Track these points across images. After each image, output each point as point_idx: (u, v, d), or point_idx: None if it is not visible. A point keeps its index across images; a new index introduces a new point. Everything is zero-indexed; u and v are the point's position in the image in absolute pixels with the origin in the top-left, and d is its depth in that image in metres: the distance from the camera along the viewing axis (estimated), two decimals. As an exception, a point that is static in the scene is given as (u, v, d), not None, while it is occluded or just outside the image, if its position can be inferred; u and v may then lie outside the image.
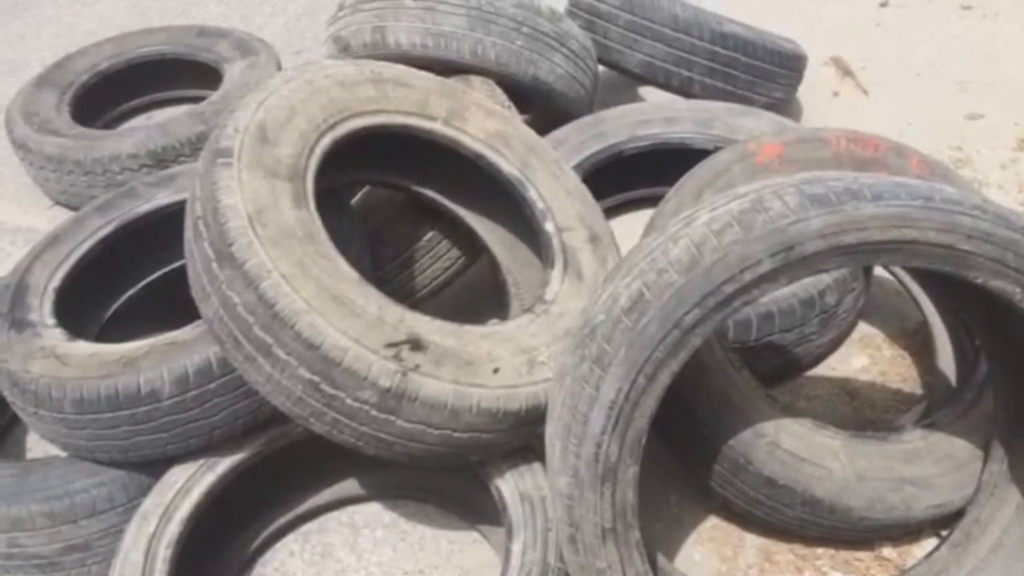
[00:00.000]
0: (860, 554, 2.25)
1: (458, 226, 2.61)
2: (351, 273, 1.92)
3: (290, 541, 2.37)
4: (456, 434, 1.91)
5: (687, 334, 1.71)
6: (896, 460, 2.13)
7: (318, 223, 1.97)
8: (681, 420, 2.08)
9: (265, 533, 2.35)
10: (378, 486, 2.43)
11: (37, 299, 2.38)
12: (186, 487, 2.09)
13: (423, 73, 2.45)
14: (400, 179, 2.54)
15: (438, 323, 1.97)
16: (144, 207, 2.71)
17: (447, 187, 2.54)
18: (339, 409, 1.86)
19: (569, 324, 2.12)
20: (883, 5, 4.68)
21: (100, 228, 2.63)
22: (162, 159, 3.56)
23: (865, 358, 2.75)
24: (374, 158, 2.44)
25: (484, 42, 2.93)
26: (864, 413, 2.59)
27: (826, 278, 2.45)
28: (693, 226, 1.76)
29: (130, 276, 2.76)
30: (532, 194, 2.35)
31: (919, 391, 2.65)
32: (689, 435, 2.15)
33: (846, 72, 4.15)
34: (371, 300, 1.90)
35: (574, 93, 3.15)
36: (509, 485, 2.06)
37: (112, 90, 4.18)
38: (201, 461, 2.13)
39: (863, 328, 2.79)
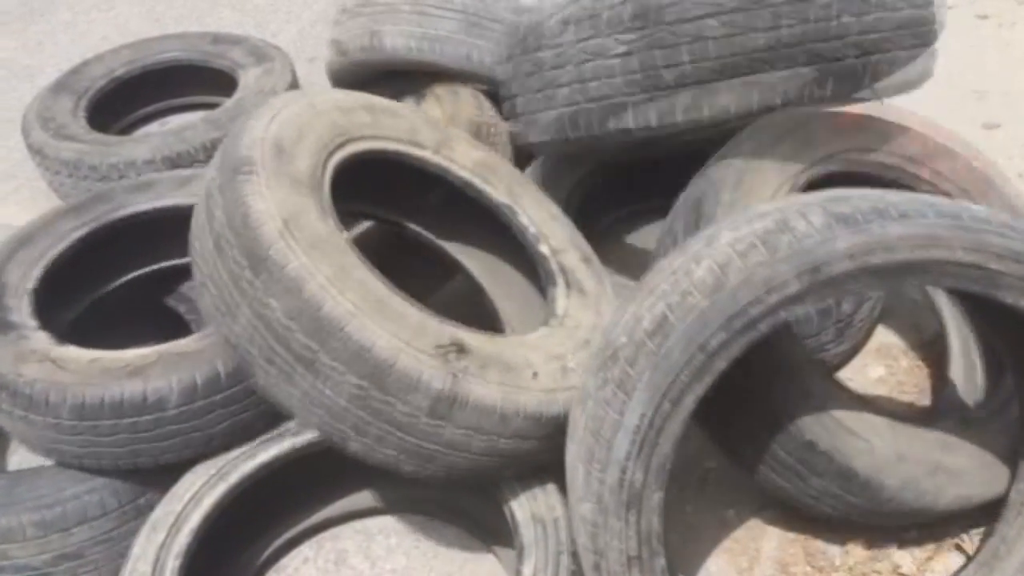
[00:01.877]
0: (878, 566, 2.22)
1: (437, 254, 2.60)
2: (384, 281, 1.90)
3: (304, 547, 2.36)
4: (502, 441, 1.89)
5: (712, 358, 1.68)
6: (935, 446, 2.10)
7: (343, 237, 1.93)
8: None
9: (274, 545, 2.35)
10: (388, 501, 2.42)
11: (15, 300, 2.36)
12: (196, 497, 2.08)
13: (408, 105, 2.50)
14: (384, 211, 2.57)
15: (474, 332, 1.95)
16: (119, 212, 2.72)
17: (431, 219, 2.56)
18: (387, 418, 1.81)
19: (586, 335, 2.13)
20: (981, 17, 4.66)
21: (75, 230, 2.62)
22: (177, 165, 3.56)
23: (882, 368, 2.73)
24: (361, 190, 2.45)
25: (478, 47, 2.88)
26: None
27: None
28: (716, 246, 1.74)
29: (98, 279, 2.76)
30: (524, 219, 2.38)
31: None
32: (728, 387, 1.99)
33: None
34: (409, 306, 1.88)
35: None
36: (522, 506, 2.05)
37: (128, 96, 4.20)
38: (212, 472, 2.12)
39: (880, 338, 2.77)
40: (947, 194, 2.43)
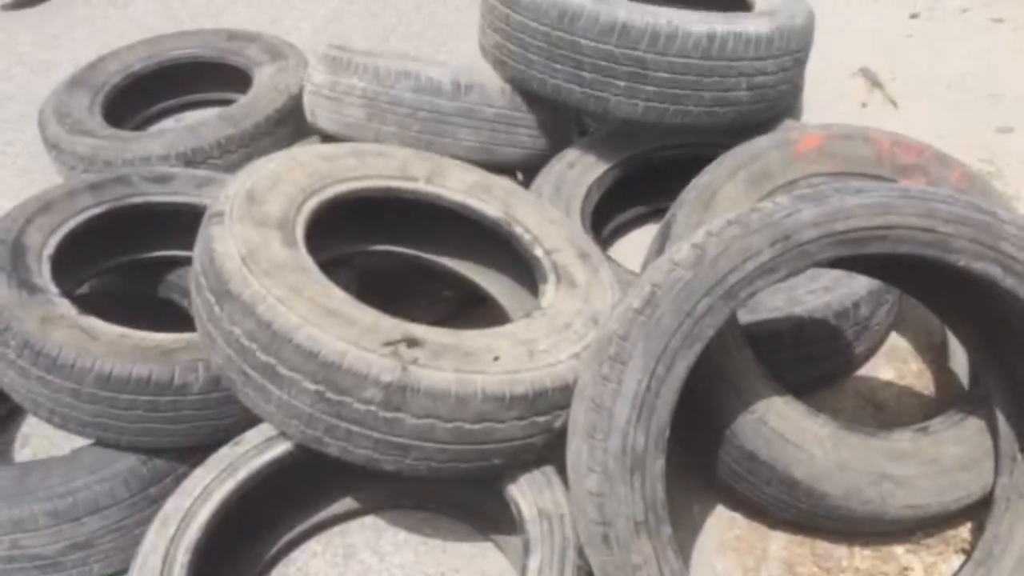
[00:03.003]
0: (885, 568, 2.22)
1: (451, 277, 2.75)
2: (344, 295, 2.02)
3: (313, 542, 2.38)
4: (468, 426, 1.91)
5: (699, 323, 1.84)
6: (880, 456, 2.14)
7: (309, 260, 2.09)
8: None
9: (283, 540, 2.36)
10: (395, 497, 2.43)
11: (36, 264, 2.42)
12: (206, 492, 2.09)
13: (400, 147, 2.71)
14: (388, 244, 2.72)
15: (433, 328, 2.04)
16: (136, 199, 2.78)
17: (432, 244, 2.72)
18: (348, 417, 1.89)
19: (567, 320, 2.19)
20: (913, 17, 4.66)
21: (92, 207, 2.68)
22: (191, 161, 3.59)
23: (892, 371, 2.73)
24: (358, 230, 2.62)
25: (381, 132, 3.07)
26: (890, 426, 2.55)
27: (860, 290, 2.45)
28: (694, 235, 1.91)
29: (104, 258, 2.81)
30: (518, 229, 2.49)
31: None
32: (682, 402, 2.13)
33: (875, 83, 4.13)
34: (366, 313, 2.00)
35: (499, 157, 3.16)
36: (528, 501, 2.06)
37: (143, 92, 4.23)
38: (223, 467, 2.13)
39: (891, 340, 2.77)
40: None
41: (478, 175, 2.67)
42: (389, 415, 1.88)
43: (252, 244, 2.05)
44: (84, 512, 2.18)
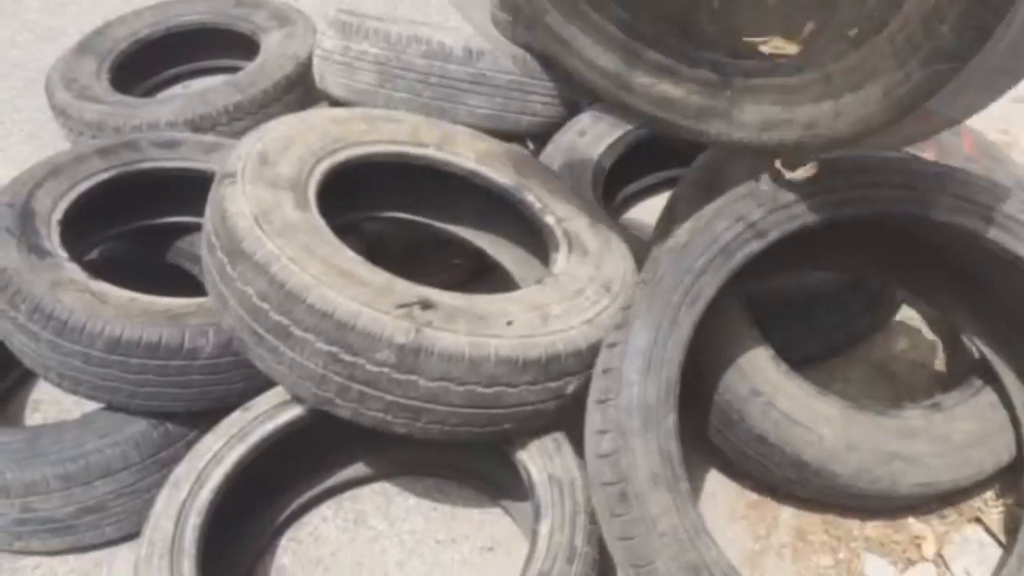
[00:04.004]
0: (896, 536, 2.22)
1: (461, 245, 2.75)
2: (356, 256, 2.01)
3: (324, 507, 2.38)
4: (480, 389, 1.91)
5: (699, 280, 1.94)
6: (890, 435, 2.14)
7: (321, 221, 2.07)
8: (685, 368, 2.08)
9: (293, 505, 2.36)
10: (405, 463, 2.43)
11: (45, 228, 2.40)
12: (218, 456, 2.10)
13: (411, 114, 2.71)
14: (399, 212, 2.71)
15: (446, 292, 2.02)
16: (144, 164, 2.75)
17: (442, 212, 2.71)
18: (361, 379, 1.88)
19: (579, 287, 2.19)
20: None
21: (100, 172, 2.66)
22: (199, 127, 3.57)
23: (905, 341, 2.71)
24: (367, 196, 2.61)
25: (392, 98, 3.01)
26: (902, 395, 2.55)
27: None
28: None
29: (113, 223, 2.80)
30: (529, 196, 2.47)
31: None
32: (691, 384, 2.13)
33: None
34: (378, 275, 1.98)
35: (510, 124, 3.10)
36: (538, 467, 2.05)
37: (150, 58, 4.20)
38: (234, 431, 2.13)
39: (904, 311, 2.75)
40: None
41: (489, 143, 2.66)
42: (402, 377, 1.87)
43: (265, 204, 2.03)
44: (95, 476, 2.18)
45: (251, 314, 1.94)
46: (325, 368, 1.89)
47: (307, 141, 2.30)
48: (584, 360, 1.99)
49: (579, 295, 2.15)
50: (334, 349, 1.86)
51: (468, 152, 2.56)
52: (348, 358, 1.86)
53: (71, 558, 2.29)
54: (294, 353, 1.91)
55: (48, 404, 2.67)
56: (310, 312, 1.85)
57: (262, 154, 2.18)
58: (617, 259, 2.32)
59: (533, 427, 2.07)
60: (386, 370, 1.86)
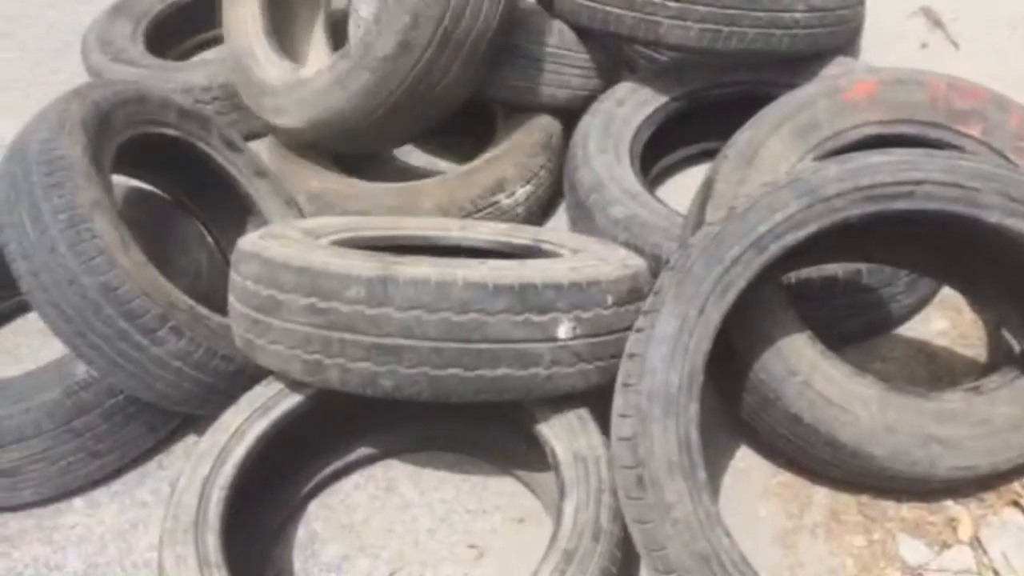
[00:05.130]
0: (932, 518, 2.19)
1: None
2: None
3: (355, 475, 2.39)
4: (454, 317, 1.90)
5: (729, 271, 1.91)
6: (928, 417, 2.10)
7: (325, 243, 2.25)
8: (720, 347, 2.06)
9: (317, 478, 2.37)
10: (425, 438, 2.44)
11: None
12: (240, 431, 2.10)
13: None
14: None
15: None
16: None
17: None
18: (338, 324, 1.91)
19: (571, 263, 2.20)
20: None
21: None
22: (234, 92, 3.56)
23: (945, 321, 2.66)
24: None
25: None
26: (942, 377, 2.51)
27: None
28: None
29: None
30: (548, 247, 2.49)
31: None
32: (726, 363, 2.13)
33: (936, 23, 3.96)
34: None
35: (546, 98, 3.15)
36: (563, 444, 2.04)
37: (185, 22, 4.20)
38: (256, 405, 2.14)
39: (944, 291, 2.69)
40: (1000, 152, 2.38)
41: (507, 225, 2.75)
42: (375, 311, 1.89)
43: (272, 229, 2.26)
44: (8, 441, 2.23)
45: (247, 301, 2.05)
46: (306, 323, 1.94)
47: (334, 222, 2.49)
48: (568, 298, 1.96)
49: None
50: (311, 300, 1.92)
51: (488, 230, 2.63)
52: (324, 304, 1.91)
53: (108, 518, 2.34)
54: (281, 321, 1.97)
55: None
56: (289, 272, 1.96)
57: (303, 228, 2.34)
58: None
59: (537, 385, 2.00)
60: (359, 307, 1.90)
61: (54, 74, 4.09)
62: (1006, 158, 2.35)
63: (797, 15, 2.73)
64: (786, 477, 2.30)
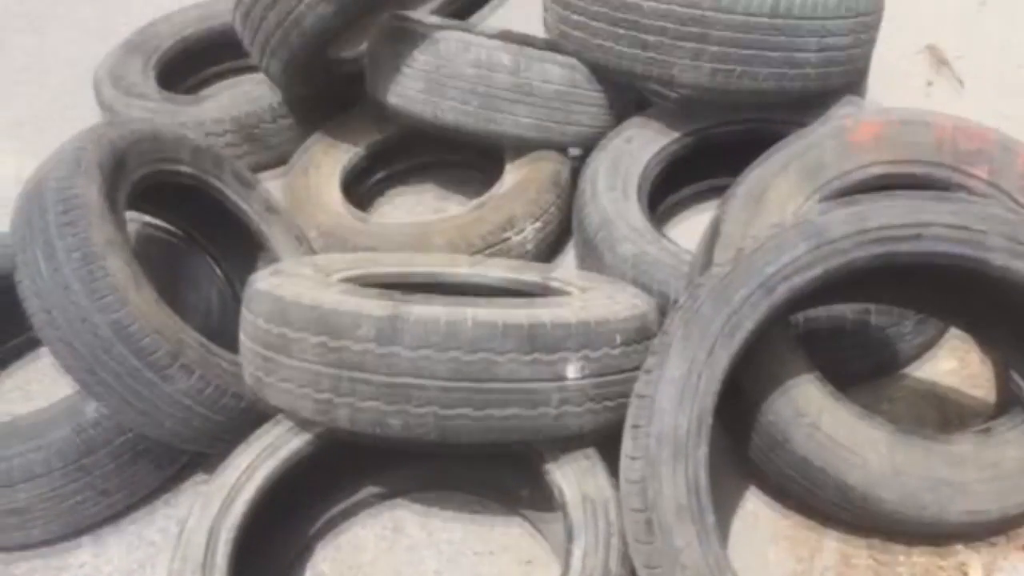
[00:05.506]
0: (943, 563, 2.18)
1: None
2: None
3: (362, 515, 2.39)
4: (464, 357, 1.90)
5: (737, 313, 1.92)
6: (938, 461, 2.09)
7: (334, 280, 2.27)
8: (728, 389, 2.06)
9: (326, 516, 2.37)
10: (434, 479, 2.43)
11: None
12: (249, 471, 2.11)
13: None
14: None
15: None
16: None
17: None
18: (349, 363, 1.92)
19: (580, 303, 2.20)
20: None
21: None
22: (245, 125, 3.61)
23: (954, 361, 2.66)
24: None
25: (440, 105, 3.06)
26: (951, 418, 2.50)
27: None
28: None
29: None
30: (557, 285, 2.49)
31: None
32: (734, 404, 2.12)
33: (941, 61, 4.00)
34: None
35: (555, 136, 3.16)
36: (571, 485, 2.04)
37: (196, 57, 4.24)
38: (265, 444, 2.15)
39: (953, 331, 2.69)
40: (1007, 193, 2.38)
41: (516, 263, 2.77)
42: (384, 350, 1.90)
43: (283, 266, 2.31)
44: (18, 479, 2.23)
45: (257, 339, 2.06)
46: (317, 362, 1.95)
47: (345, 260, 2.53)
48: (577, 338, 1.96)
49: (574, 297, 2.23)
50: (322, 339, 1.93)
51: (499, 270, 2.65)
52: (335, 344, 1.92)
53: (115, 558, 2.33)
54: (291, 359, 1.98)
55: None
56: (301, 310, 1.97)
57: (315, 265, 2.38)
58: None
59: (545, 425, 2.00)
60: (368, 347, 1.90)
61: (69, 110, 4.13)
62: (1014, 199, 2.36)
63: (810, 55, 2.75)
64: (796, 521, 2.29)
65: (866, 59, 3.05)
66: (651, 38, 2.79)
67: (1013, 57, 4.02)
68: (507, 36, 3.55)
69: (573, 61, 3.06)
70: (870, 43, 2.98)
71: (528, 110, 3.07)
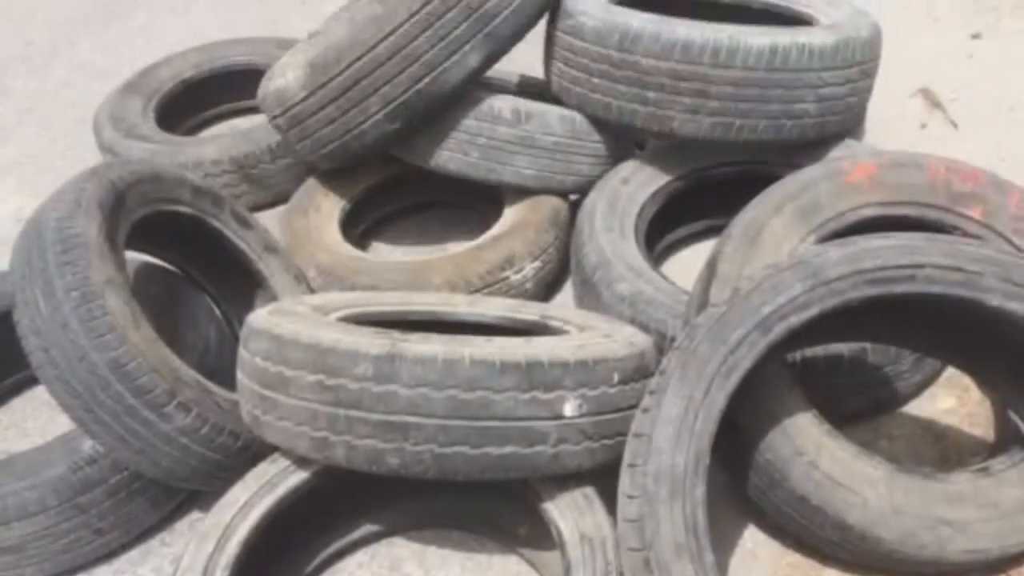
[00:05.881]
0: (942, 603, 2.16)
1: None
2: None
3: (359, 553, 2.37)
4: (462, 395, 1.90)
5: (734, 352, 1.93)
6: (937, 499, 2.08)
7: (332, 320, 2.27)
8: (726, 426, 2.06)
9: (323, 555, 2.35)
10: (434, 515, 2.42)
11: None
12: (245, 508, 2.10)
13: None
14: None
15: None
16: None
17: None
18: (347, 401, 1.92)
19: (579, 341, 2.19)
20: (975, 37, 4.57)
21: None
22: (243, 165, 3.65)
23: (952, 399, 2.66)
24: None
25: (440, 156, 3.12)
26: (950, 455, 2.50)
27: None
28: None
29: None
30: (554, 323, 2.49)
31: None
32: (732, 441, 2.13)
33: (935, 104, 4.05)
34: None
35: (555, 184, 3.21)
36: (569, 523, 2.03)
37: (195, 98, 4.29)
38: (262, 482, 2.14)
39: (950, 369, 2.69)
40: (1000, 234, 2.40)
41: (512, 302, 2.78)
42: (382, 388, 1.90)
43: (281, 305, 2.32)
44: (12, 518, 2.22)
45: (255, 377, 2.07)
46: (314, 400, 1.95)
47: (345, 298, 2.53)
48: (575, 376, 1.96)
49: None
50: (320, 376, 1.93)
51: (495, 308, 2.64)
52: (332, 382, 1.92)
53: (102, 597, 2.31)
54: (288, 398, 1.99)
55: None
56: (298, 349, 1.97)
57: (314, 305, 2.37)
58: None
59: (543, 463, 1.99)
60: (366, 384, 1.90)
61: (70, 151, 4.17)
62: (1007, 240, 2.38)
63: (808, 105, 2.79)
64: (795, 558, 2.28)
65: (863, 105, 3.09)
66: (651, 94, 2.84)
67: (1006, 99, 4.07)
68: (524, 82, 3.62)
69: (574, 113, 3.10)
70: (867, 90, 3.02)
71: (528, 160, 3.11)
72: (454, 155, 3.11)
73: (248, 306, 2.80)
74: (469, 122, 3.06)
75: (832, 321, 2.03)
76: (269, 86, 3.18)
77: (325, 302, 2.41)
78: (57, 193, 2.35)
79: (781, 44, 2.69)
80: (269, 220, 3.46)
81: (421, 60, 2.90)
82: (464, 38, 2.92)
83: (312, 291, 2.97)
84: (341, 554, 2.37)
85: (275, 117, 3.21)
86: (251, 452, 2.23)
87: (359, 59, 2.91)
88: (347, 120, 3.03)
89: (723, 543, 2.28)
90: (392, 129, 3.03)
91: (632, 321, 2.55)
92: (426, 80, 2.93)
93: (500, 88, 3.36)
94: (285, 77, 3.09)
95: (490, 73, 3.29)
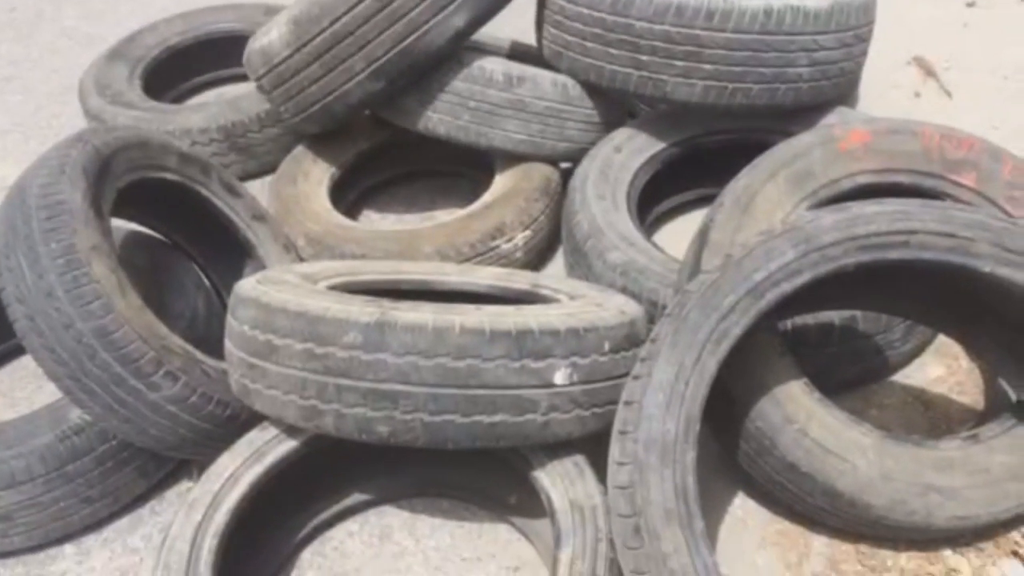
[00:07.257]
0: (931, 568, 2.17)
1: None
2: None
3: (349, 522, 2.37)
4: (451, 363, 1.89)
5: (726, 319, 1.93)
6: (926, 466, 2.09)
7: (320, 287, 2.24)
8: (717, 394, 2.06)
9: (313, 523, 2.35)
10: (421, 484, 2.42)
11: None
12: (233, 477, 2.09)
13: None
14: None
15: None
16: None
17: None
18: (335, 369, 1.90)
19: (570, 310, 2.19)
20: (970, 5, 4.54)
21: None
22: (231, 134, 3.61)
23: (942, 368, 2.66)
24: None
25: (431, 119, 3.10)
26: (939, 424, 2.50)
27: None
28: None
29: None
30: (545, 291, 2.49)
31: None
32: (722, 410, 2.13)
33: (929, 73, 4.03)
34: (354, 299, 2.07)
35: (546, 150, 3.18)
36: (559, 491, 2.03)
37: (181, 65, 4.24)
38: (250, 452, 2.13)
39: (941, 337, 2.70)
40: (993, 201, 2.40)
41: (505, 270, 2.77)
42: (371, 357, 1.88)
43: (269, 273, 2.27)
44: (1, 486, 2.21)
45: (244, 346, 2.04)
46: (303, 368, 1.93)
47: (335, 267, 2.52)
48: (566, 344, 1.95)
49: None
50: (308, 345, 1.92)
51: (486, 277, 2.64)
52: (320, 350, 1.91)
53: (98, 566, 2.31)
54: (278, 366, 1.97)
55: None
56: (287, 317, 1.95)
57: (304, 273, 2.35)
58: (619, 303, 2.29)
59: (533, 431, 1.98)
60: (355, 352, 1.89)
61: (55, 118, 4.12)
62: (1000, 207, 2.37)
63: (801, 70, 2.77)
64: (784, 525, 2.29)
65: (857, 71, 3.07)
66: (644, 57, 2.81)
67: (1000, 67, 4.05)
68: (516, 48, 3.58)
69: (567, 78, 3.07)
70: (861, 56, 3.00)
71: (519, 125, 3.09)
72: (444, 118, 3.07)
73: (236, 275, 2.77)
74: (460, 85, 3.02)
75: (824, 288, 2.02)
76: (254, 45, 3.15)
77: (314, 271, 2.39)
78: (41, 159, 2.31)
79: (775, 7, 2.66)
80: (258, 190, 3.44)
81: (405, 18, 2.86)
82: (448, -2, 2.88)
83: (301, 260, 2.95)
84: (331, 523, 2.37)
85: (260, 77, 3.17)
86: (240, 421, 2.22)
87: (343, 15, 2.87)
88: (331, 79, 3.00)
89: (713, 511, 2.29)
90: (376, 88, 2.99)
91: (624, 290, 2.54)
92: (410, 39, 2.89)
93: (493, 53, 3.32)
94: (269, 35, 3.05)
95: (482, 38, 3.26)
